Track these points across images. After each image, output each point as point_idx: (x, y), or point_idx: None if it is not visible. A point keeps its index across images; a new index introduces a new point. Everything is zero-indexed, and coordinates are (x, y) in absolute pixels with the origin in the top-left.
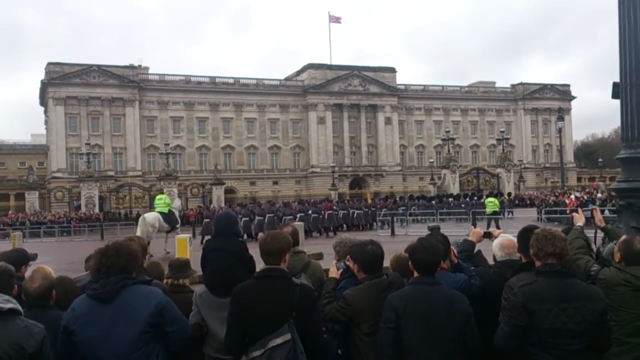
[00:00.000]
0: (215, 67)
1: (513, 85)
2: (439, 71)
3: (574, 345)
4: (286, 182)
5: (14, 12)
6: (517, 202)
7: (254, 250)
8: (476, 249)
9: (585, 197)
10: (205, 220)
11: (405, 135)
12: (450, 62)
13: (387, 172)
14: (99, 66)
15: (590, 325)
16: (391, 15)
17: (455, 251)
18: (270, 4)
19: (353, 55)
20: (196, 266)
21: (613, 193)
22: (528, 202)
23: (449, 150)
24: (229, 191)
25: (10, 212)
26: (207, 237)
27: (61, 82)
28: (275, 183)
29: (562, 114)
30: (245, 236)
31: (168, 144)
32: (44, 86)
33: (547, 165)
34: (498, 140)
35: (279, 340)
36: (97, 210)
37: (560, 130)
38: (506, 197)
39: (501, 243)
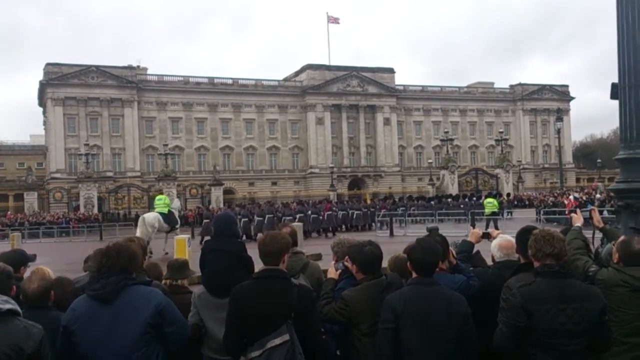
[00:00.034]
0: (214, 68)
1: (512, 86)
2: (437, 72)
3: (573, 345)
4: (285, 183)
5: (13, 12)
6: (516, 202)
7: (254, 251)
8: (475, 250)
9: (584, 198)
10: (205, 220)
11: (404, 135)
12: (449, 62)
13: (385, 173)
14: (97, 67)
15: (588, 326)
16: (390, 16)
17: (454, 252)
18: (270, 4)
19: (352, 56)
20: (195, 267)
21: (612, 194)
22: (527, 202)
23: (447, 151)
24: (227, 192)
25: (9, 212)
26: (207, 238)
27: (60, 82)
28: (274, 184)
29: (561, 114)
30: (244, 237)
31: (167, 145)
32: (43, 87)
33: (546, 165)
34: (497, 140)
35: (277, 341)
36: (95, 210)
37: (559, 131)
38: (505, 197)
39: (500, 244)
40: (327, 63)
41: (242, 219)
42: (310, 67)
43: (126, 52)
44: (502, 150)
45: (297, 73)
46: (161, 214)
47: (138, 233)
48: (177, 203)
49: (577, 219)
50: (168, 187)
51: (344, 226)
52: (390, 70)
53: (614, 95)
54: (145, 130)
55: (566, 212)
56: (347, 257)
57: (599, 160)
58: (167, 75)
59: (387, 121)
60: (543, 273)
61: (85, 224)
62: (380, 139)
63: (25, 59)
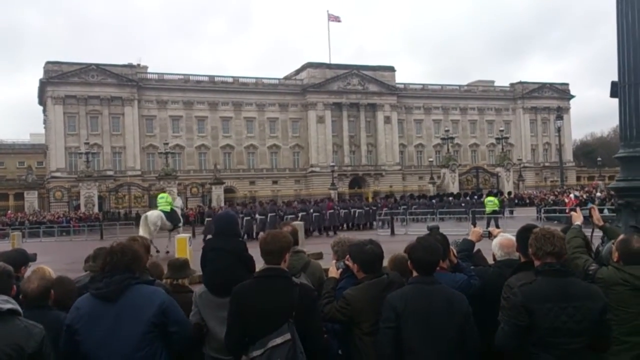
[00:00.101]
0: (214, 66)
1: (512, 84)
2: (438, 70)
3: (574, 344)
4: (286, 182)
5: (13, 12)
6: (516, 201)
7: (255, 250)
8: (476, 249)
9: (585, 196)
10: (207, 219)
11: (405, 134)
12: (449, 61)
13: (386, 172)
14: (97, 65)
15: (590, 324)
16: (390, 14)
17: (455, 251)
18: (270, 2)
19: (352, 54)
20: (196, 266)
21: (612, 192)
22: (527, 201)
23: (448, 150)
24: (228, 191)
25: (9, 211)
26: (210, 237)
27: (60, 81)
28: (275, 182)
29: (561, 113)
30: (245, 236)
31: (167, 144)
32: (43, 85)
33: (547, 164)
34: (497, 139)
35: (278, 340)
36: (96, 210)
37: (559, 129)
38: (506, 196)
39: (501, 242)
40: (327, 61)
41: (245, 218)
42: (310, 65)
43: (126, 50)
44: (502, 149)
45: (298, 71)
46: (164, 212)
47: (141, 232)
48: (179, 201)
49: (577, 218)
50: (169, 186)
51: (345, 225)
52: (391, 69)
53: (613, 94)
54: (145, 129)
55: (567, 211)
56: (348, 256)
57: (599, 159)
58: (167, 74)
59: (387, 119)
60: (544, 272)
61: (86, 223)
62: (381, 138)
63: (25, 57)
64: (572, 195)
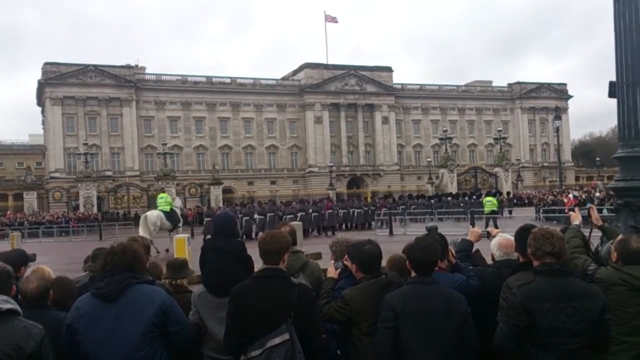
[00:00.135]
0: (212, 67)
1: (510, 85)
2: (436, 70)
3: (573, 344)
4: (284, 182)
5: (11, 12)
6: (515, 201)
7: (253, 250)
8: (474, 249)
9: (584, 196)
10: (207, 219)
11: (403, 134)
12: (447, 61)
13: (384, 172)
14: (95, 66)
15: (589, 324)
16: (388, 15)
17: (454, 251)
18: (268, 4)
19: (350, 55)
20: (195, 266)
21: (611, 192)
22: (526, 201)
23: (446, 150)
24: (226, 191)
25: (8, 212)
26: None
27: (58, 82)
28: (273, 183)
29: (559, 113)
30: (244, 237)
31: (165, 144)
32: (41, 86)
33: (545, 164)
34: (495, 139)
35: (277, 340)
36: (95, 210)
37: (557, 129)
38: (505, 196)
39: (499, 242)
40: (325, 62)
41: (244, 218)
42: (308, 66)
43: (124, 51)
44: (500, 149)
45: (296, 72)
46: (163, 212)
47: (140, 232)
48: (178, 201)
49: (575, 218)
50: (167, 187)
51: (344, 225)
52: (389, 69)
53: (612, 94)
54: (143, 130)
55: (565, 211)
56: (346, 256)
57: (597, 159)
58: (165, 75)
59: (385, 120)
60: (543, 272)
61: (85, 223)
62: (378, 138)
63: (23, 58)
64: (570, 196)
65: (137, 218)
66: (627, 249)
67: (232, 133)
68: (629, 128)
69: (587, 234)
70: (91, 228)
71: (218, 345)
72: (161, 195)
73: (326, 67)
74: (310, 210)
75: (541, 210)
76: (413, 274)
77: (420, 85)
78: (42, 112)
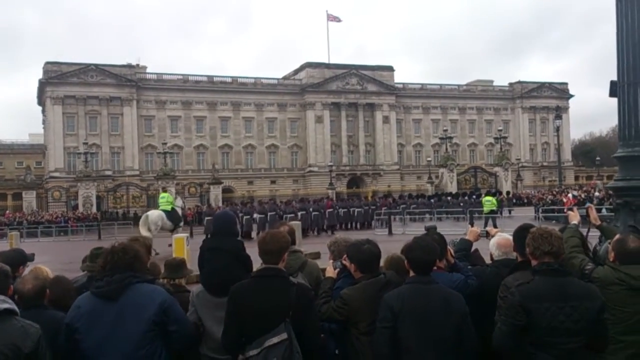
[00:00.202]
0: (213, 66)
1: (511, 84)
2: (436, 70)
3: (572, 344)
4: (284, 181)
5: (12, 11)
6: (514, 200)
7: (253, 250)
8: (473, 248)
9: (583, 196)
10: (207, 218)
11: (403, 134)
12: (448, 60)
13: (384, 171)
14: (96, 65)
15: (587, 324)
16: (389, 14)
17: (452, 250)
18: (270, 2)
19: (351, 54)
20: (194, 266)
21: (610, 192)
22: (525, 200)
23: (446, 149)
24: (226, 190)
25: (7, 211)
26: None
27: (59, 81)
28: (273, 182)
29: (560, 112)
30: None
31: (166, 143)
32: (42, 85)
33: (545, 163)
34: (496, 138)
35: (275, 340)
36: (94, 209)
37: (558, 129)
38: (504, 195)
39: (498, 242)
40: (326, 61)
41: (244, 217)
42: (309, 65)
43: (125, 50)
44: (501, 148)
45: (297, 71)
46: (165, 211)
47: (142, 232)
48: (179, 201)
49: (574, 217)
50: (167, 186)
51: (346, 224)
52: (390, 69)
53: (612, 93)
54: (144, 129)
55: (565, 211)
56: (345, 256)
57: (597, 158)
58: (166, 74)
59: (386, 119)
60: (541, 271)
61: (84, 223)
62: (379, 137)
63: (24, 57)
64: (570, 195)
65: (136, 218)
66: (624, 249)
67: (233, 132)
68: (630, 127)
69: (585, 234)
70: (90, 228)
71: (216, 345)
72: (162, 194)
73: (327, 66)
74: (311, 210)
75: (540, 210)
76: (412, 273)
77: (422, 84)
78: (43, 111)
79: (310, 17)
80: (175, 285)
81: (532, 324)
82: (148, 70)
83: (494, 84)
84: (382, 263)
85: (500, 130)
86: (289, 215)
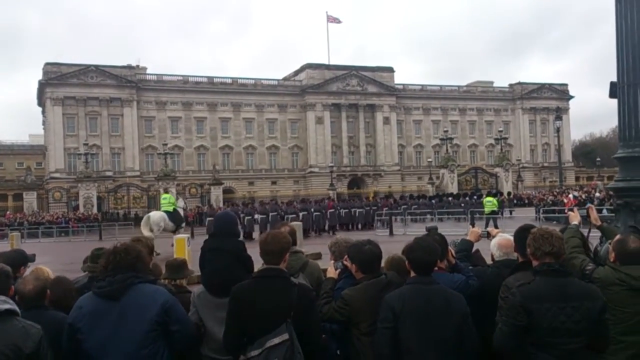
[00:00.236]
0: (213, 67)
1: (511, 85)
2: (437, 71)
3: (573, 344)
4: (284, 182)
5: (11, 12)
6: (515, 201)
7: (254, 250)
8: (474, 249)
9: (584, 197)
10: (209, 219)
11: (404, 135)
12: (448, 61)
13: (385, 172)
14: (96, 66)
15: (588, 324)
16: (389, 15)
17: (453, 251)
18: (270, 4)
19: (351, 55)
20: (194, 266)
21: (611, 192)
22: (526, 201)
23: (447, 150)
24: (227, 191)
25: (8, 212)
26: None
27: (59, 82)
28: (274, 183)
29: (560, 113)
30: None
31: (166, 144)
32: (42, 86)
33: (545, 164)
34: (496, 139)
35: (276, 340)
36: (95, 210)
37: (558, 130)
38: (505, 196)
39: (499, 242)
40: (326, 62)
41: (246, 217)
42: (309, 66)
43: (125, 51)
44: (501, 149)
45: (297, 72)
46: (167, 212)
47: (144, 232)
48: (181, 202)
49: (574, 218)
50: (168, 187)
51: (348, 225)
52: (390, 70)
53: (612, 94)
54: (144, 130)
55: (565, 211)
56: (346, 256)
57: (598, 159)
58: (166, 75)
59: (386, 120)
60: (542, 272)
61: (85, 223)
62: (379, 138)
63: (24, 58)
64: (571, 196)
65: (137, 218)
66: (625, 249)
67: (233, 133)
68: (630, 128)
69: (586, 234)
70: (91, 228)
71: (217, 346)
72: (164, 195)
73: (327, 67)
74: (313, 210)
75: (541, 211)
76: (412, 274)
77: (422, 85)
78: (43, 112)
79: (310, 18)
80: (176, 285)
81: (533, 325)
82: (148, 71)
83: (494, 85)
84: (383, 264)
85: (501, 131)
86: (290, 216)
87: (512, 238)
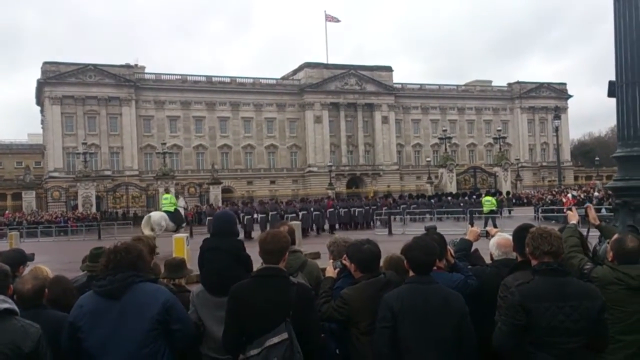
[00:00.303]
0: (212, 66)
1: (510, 84)
2: (435, 70)
3: (572, 343)
4: (283, 182)
5: (11, 12)
6: (514, 200)
7: (253, 250)
8: (473, 248)
9: (582, 196)
10: (209, 218)
11: (402, 134)
12: (447, 60)
13: (384, 171)
14: (95, 65)
15: (587, 324)
16: (388, 14)
17: (452, 250)
18: (268, 3)
19: (350, 54)
20: (194, 266)
21: (610, 191)
22: (525, 200)
23: (445, 149)
24: (226, 190)
25: (7, 211)
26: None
27: (57, 81)
28: (273, 182)
29: (559, 112)
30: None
31: (165, 144)
32: (40, 85)
33: (544, 164)
34: (495, 139)
35: (275, 339)
36: (94, 209)
37: (557, 129)
38: (504, 195)
39: (498, 242)
40: (325, 61)
41: (246, 217)
42: (308, 65)
43: (124, 51)
44: (500, 149)
45: (295, 71)
46: (167, 212)
47: (145, 232)
48: (182, 201)
49: (573, 217)
50: (168, 186)
51: (345, 224)
52: (388, 69)
53: (611, 93)
54: (143, 129)
55: (564, 210)
56: (345, 255)
57: (597, 158)
58: (165, 74)
59: (385, 119)
60: (541, 271)
61: (84, 223)
62: (378, 138)
63: (23, 58)
64: (569, 195)
65: (136, 218)
66: (623, 249)
67: (232, 132)
68: (628, 127)
69: (585, 234)
70: (90, 228)
71: (217, 345)
72: (165, 195)
73: (326, 66)
74: (312, 209)
75: (540, 210)
76: (411, 273)
77: (420, 85)
78: (41, 111)
79: (309, 18)
80: (175, 285)
81: (532, 324)
82: (147, 70)
83: (493, 84)
84: (381, 263)
85: (500, 131)
86: (290, 215)
87: (510, 237)
